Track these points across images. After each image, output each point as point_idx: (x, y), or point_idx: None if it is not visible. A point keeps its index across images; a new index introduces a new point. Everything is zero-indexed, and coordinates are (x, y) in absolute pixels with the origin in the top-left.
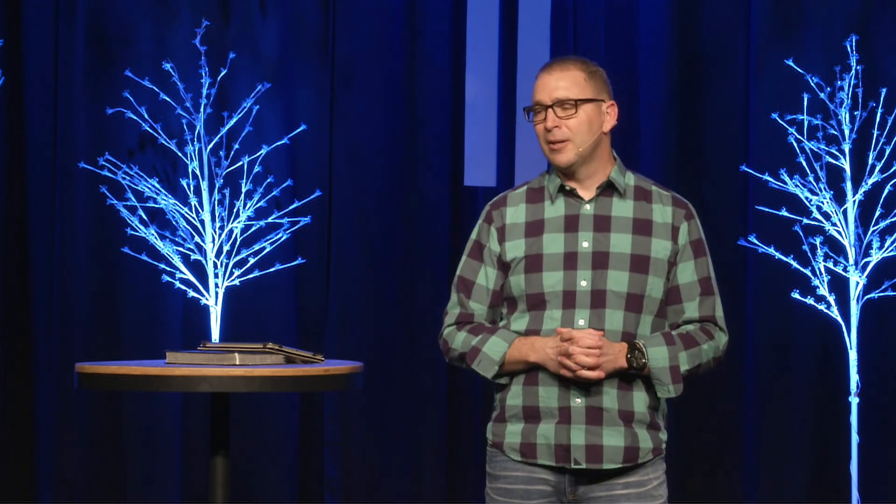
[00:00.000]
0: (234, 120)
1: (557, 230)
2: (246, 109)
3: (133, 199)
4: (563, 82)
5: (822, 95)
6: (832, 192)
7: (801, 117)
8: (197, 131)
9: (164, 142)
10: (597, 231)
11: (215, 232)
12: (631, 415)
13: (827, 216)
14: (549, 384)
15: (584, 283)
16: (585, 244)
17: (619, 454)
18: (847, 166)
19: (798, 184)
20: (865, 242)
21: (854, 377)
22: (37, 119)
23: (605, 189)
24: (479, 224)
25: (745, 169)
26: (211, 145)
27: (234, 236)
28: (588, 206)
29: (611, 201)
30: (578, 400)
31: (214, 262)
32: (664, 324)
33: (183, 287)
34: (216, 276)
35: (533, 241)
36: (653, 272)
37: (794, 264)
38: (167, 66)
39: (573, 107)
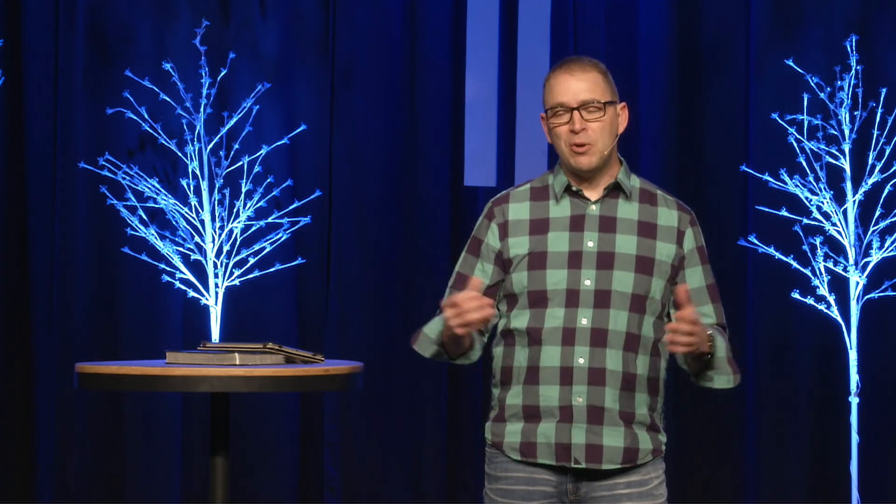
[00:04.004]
0: (234, 120)
1: (563, 229)
2: (246, 109)
3: (133, 199)
4: (586, 84)
5: (822, 95)
6: (832, 192)
7: (801, 117)
8: (197, 131)
9: (164, 142)
10: (602, 231)
11: (215, 232)
12: (632, 416)
13: (827, 216)
14: (550, 383)
15: (588, 283)
16: (591, 244)
17: (618, 455)
18: (847, 166)
19: (798, 184)
20: (865, 242)
21: (854, 377)
22: (37, 119)
23: (611, 190)
24: (480, 220)
25: (745, 169)
26: (211, 145)
27: (234, 236)
28: (594, 207)
29: (616, 203)
30: (580, 399)
31: (214, 262)
32: (663, 325)
33: (183, 287)
34: (216, 276)
35: (537, 238)
36: (657, 274)
37: (794, 264)
38: (167, 66)
39: (599, 109)
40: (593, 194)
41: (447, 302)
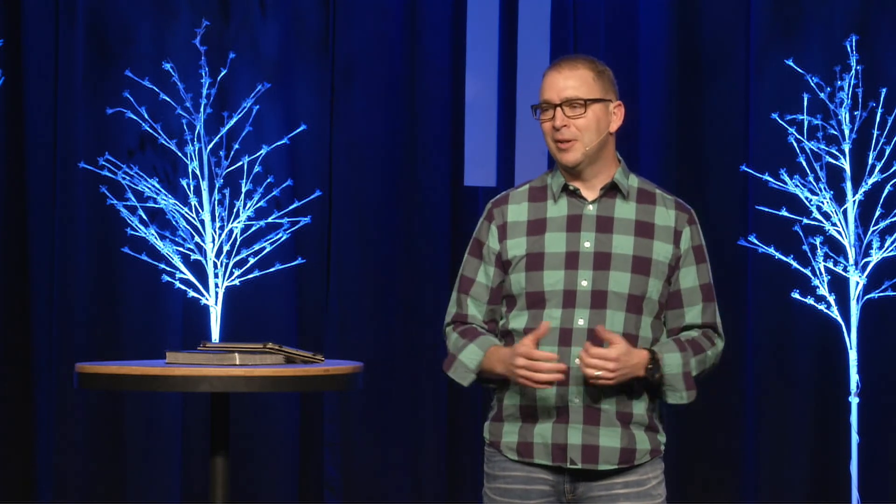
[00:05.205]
0: (234, 120)
1: (560, 229)
2: (246, 109)
3: (133, 199)
4: (572, 81)
5: (822, 95)
6: (832, 192)
7: (801, 117)
8: (197, 131)
9: (164, 142)
10: (599, 232)
11: (215, 232)
12: (629, 416)
13: (827, 216)
14: None
15: (584, 283)
16: (587, 244)
17: (615, 455)
18: (847, 166)
19: (798, 184)
20: (865, 242)
21: (854, 377)
22: (37, 119)
23: (608, 190)
24: (481, 222)
25: (745, 169)
26: (211, 145)
27: (234, 236)
28: (591, 207)
29: (613, 203)
30: (576, 399)
31: (214, 262)
32: (661, 325)
33: (183, 287)
34: (216, 276)
35: (535, 239)
36: (654, 274)
37: (794, 264)
38: (167, 66)
39: (582, 106)
40: (590, 194)
41: (523, 351)
